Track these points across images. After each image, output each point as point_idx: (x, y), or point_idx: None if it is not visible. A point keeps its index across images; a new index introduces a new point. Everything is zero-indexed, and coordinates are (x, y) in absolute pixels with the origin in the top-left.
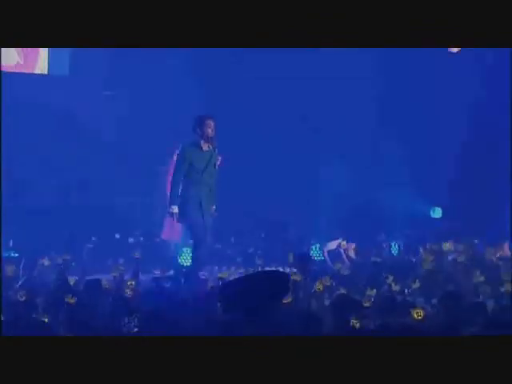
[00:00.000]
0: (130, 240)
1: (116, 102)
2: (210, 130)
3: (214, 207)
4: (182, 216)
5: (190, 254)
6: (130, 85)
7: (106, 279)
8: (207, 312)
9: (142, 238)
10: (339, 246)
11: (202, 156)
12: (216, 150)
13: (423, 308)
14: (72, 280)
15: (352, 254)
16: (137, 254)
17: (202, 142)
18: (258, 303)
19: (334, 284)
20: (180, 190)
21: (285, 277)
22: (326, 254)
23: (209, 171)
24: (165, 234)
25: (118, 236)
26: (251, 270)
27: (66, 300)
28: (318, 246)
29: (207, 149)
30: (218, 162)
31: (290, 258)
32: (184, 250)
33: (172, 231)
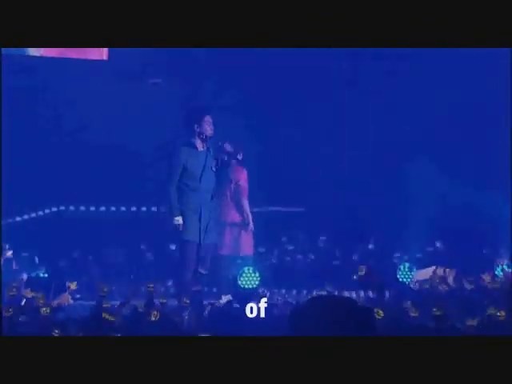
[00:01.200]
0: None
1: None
2: (209, 128)
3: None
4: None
5: (253, 274)
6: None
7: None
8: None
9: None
10: (434, 274)
11: (198, 158)
12: (211, 150)
13: None
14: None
15: (451, 281)
16: (202, 270)
17: (197, 140)
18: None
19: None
20: (177, 198)
21: (351, 303)
22: (416, 283)
23: (207, 175)
24: (225, 249)
25: (173, 248)
26: (323, 293)
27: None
28: (407, 265)
29: (202, 148)
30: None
31: (362, 270)
32: (245, 269)
33: (233, 244)
